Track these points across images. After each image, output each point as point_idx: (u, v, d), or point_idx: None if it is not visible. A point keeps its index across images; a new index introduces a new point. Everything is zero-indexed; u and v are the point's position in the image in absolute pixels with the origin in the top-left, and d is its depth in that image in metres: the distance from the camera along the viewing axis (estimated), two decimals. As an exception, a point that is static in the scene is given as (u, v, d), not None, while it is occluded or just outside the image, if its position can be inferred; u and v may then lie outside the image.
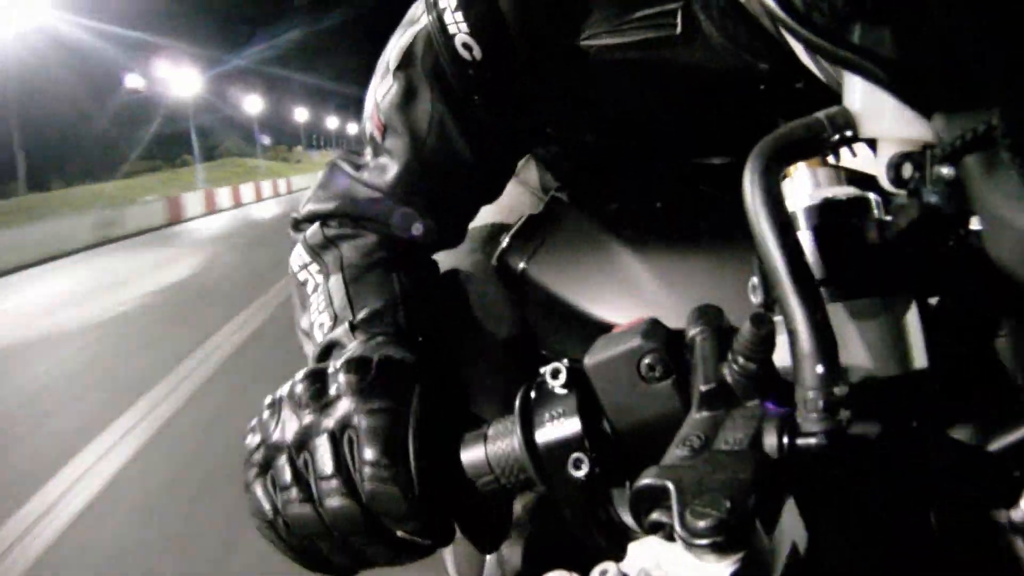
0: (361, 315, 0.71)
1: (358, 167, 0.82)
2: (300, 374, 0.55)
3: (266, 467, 0.52)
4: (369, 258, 0.77)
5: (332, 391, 0.52)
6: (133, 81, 42.94)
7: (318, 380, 0.53)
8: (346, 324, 0.70)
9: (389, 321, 0.71)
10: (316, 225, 0.80)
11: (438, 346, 0.73)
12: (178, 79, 38.90)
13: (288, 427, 0.52)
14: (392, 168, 0.78)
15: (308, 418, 0.52)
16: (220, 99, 51.96)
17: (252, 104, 52.27)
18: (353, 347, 0.66)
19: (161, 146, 46.99)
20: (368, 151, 0.81)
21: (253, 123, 53.04)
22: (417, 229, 0.78)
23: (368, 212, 0.79)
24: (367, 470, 0.49)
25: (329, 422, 0.51)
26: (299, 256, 0.81)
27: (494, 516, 0.54)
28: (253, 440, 0.54)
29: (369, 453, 0.49)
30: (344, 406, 0.51)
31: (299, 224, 0.84)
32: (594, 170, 0.91)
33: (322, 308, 0.75)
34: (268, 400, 0.55)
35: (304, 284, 0.79)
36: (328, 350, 0.71)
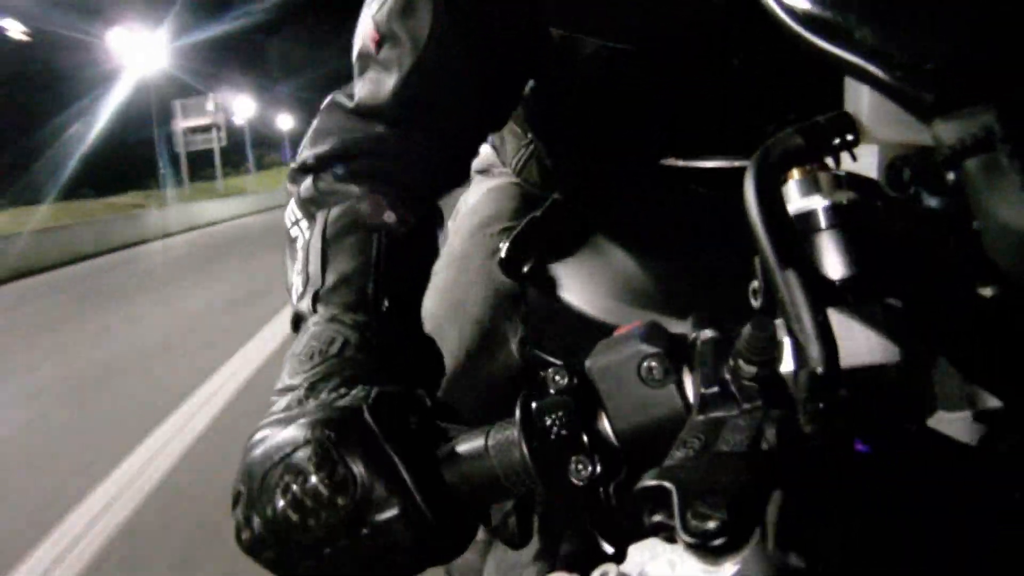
0: (328, 282, 0.69)
1: (352, 96, 0.78)
2: (271, 481, 0.50)
3: (297, 564, 0.50)
4: (354, 216, 0.73)
5: (313, 502, 0.48)
6: (239, 120, 53.04)
7: (292, 491, 0.49)
8: (310, 297, 0.68)
9: (356, 287, 0.68)
10: (310, 180, 0.77)
11: (408, 310, 0.71)
12: (239, 105, 50.15)
13: (292, 534, 0.49)
14: (388, 81, 0.74)
15: (308, 530, 0.49)
16: (264, 119, 59.50)
17: (284, 122, 60.95)
18: (307, 336, 0.64)
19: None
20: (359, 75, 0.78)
21: (284, 139, 60.97)
22: (390, 217, 0.75)
23: (363, 147, 0.76)
24: (405, 554, 0.49)
25: (339, 529, 0.48)
26: (292, 211, 0.78)
27: (520, 514, 0.54)
28: (256, 548, 0.51)
29: (400, 539, 0.48)
30: (343, 510, 0.48)
31: (295, 175, 0.80)
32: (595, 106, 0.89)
33: (299, 268, 0.72)
34: (246, 495, 0.51)
35: (294, 241, 0.76)
36: (297, 321, 0.70)
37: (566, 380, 0.47)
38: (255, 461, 0.51)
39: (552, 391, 0.47)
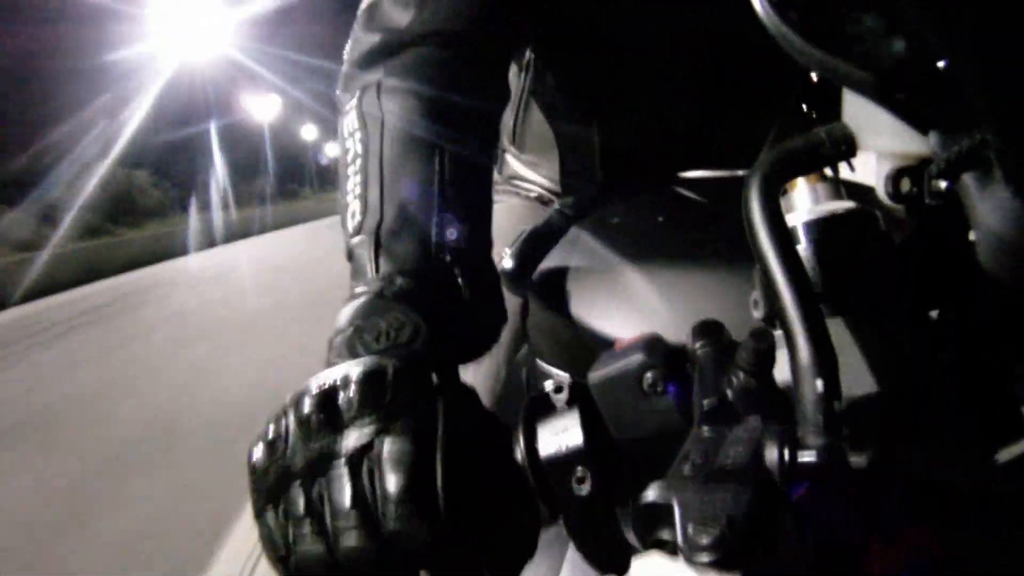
0: (388, 218, 0.65)
1: None
2: (310, 388, 0.47)
3: (276, 495, 0.46)
4: (413, 125, 0.70)
5: (345, 411, 0.46)
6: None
7: (329, 399, 0.46)
8: (371, 238, 0.65)
9: (417, 232, 0.64)
10: (373, 90, 0.73)
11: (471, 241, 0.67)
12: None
13: (299, 451, 0.46)
14: None
15: (321, 442, 0.45)
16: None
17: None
18: (371, 309, 0.59)
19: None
20: None
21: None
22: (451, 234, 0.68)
23: (415, 30, 0.74)
24: (390, 507, 0.43)
25: (345, 447, 0.45)
26: (348, 123, 0.73)
27: (517, 536, 0.51)
28: (260, 462, 0.47)
29: (392, 486, 0.43)
30: (361, 429, 0.45)
31: (349, 81, 0.77)
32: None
33: (357, 191, 0.68)
34: (275, 414, 0.48)
35: (347, 153, 0.72)
36: (351, 254, 0.67)
37: (568, 393, 0.47)
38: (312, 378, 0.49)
39: (554, 404, 0.47)
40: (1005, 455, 0.37)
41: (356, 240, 0.66)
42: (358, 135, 0.71)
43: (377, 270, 0.64)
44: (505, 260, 0.88)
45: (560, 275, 0.80)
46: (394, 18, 0.74)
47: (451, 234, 0.65)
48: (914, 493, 0.36)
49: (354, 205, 0.68)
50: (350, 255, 0.67)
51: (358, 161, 0.70)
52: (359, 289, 0.62)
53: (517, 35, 0.83)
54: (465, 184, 0.70)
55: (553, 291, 0.79)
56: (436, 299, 0.61)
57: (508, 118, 1.02)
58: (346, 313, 0.59)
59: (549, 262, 0.84)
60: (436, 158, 0.68)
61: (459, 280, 0.64)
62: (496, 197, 1.14)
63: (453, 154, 0.69)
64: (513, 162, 1.13)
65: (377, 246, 0.64)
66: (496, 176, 1.16)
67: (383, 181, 0.67)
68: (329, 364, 0.56)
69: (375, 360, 0.48)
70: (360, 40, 0.76)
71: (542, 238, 0.88)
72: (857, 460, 0.34)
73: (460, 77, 0.75)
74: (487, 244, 0.72)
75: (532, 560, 0.48)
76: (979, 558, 0.36)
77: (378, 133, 0.70)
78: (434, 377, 0.48)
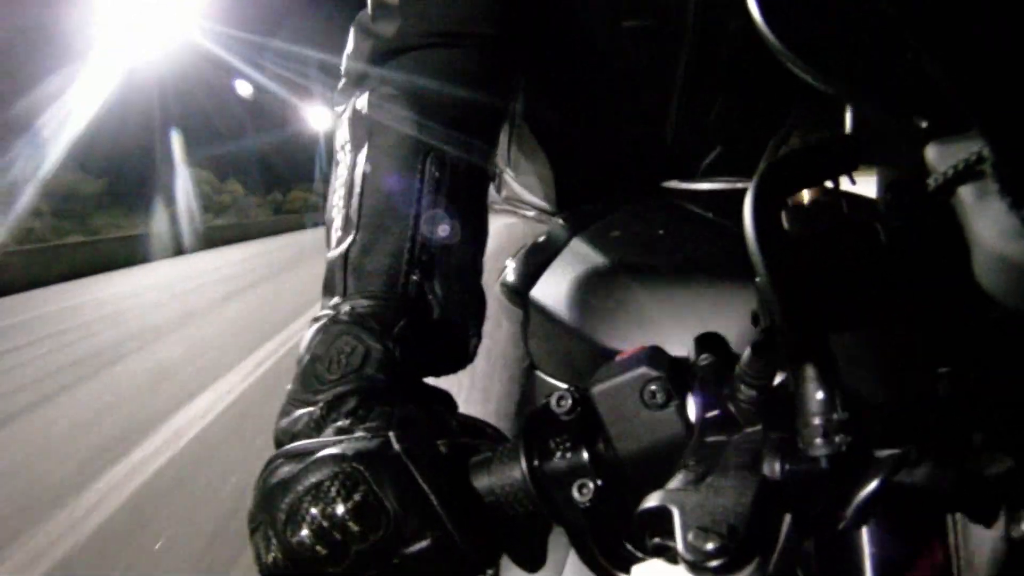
0: (362, 238, 0.65)
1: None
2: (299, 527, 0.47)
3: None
4: (401, 131, 0.70)
5: (348, 543, 0.46)
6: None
7: (320, 529, 0.46)
8: (342, 256, 0.65)
9: (389, 255, 0.64)
10: (366, 97, 0.73)
11: (441, 269, 0.66)
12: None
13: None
14: None
15: (337, 566, 0.46)
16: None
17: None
18: (329, 339, 0.59)
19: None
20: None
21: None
22: (444, 230, 0.68)
23: (403, 37, 0.75)
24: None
25: (369, 562, 0.46)
26: (341, 133, 0.74)
27: (533, 539, 0.52)
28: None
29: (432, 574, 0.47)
30: (377, 553, 0.46)
31: (342, 95, 0.78)
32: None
33: (340, 204, 0.69)
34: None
35: (338, 165, 0.72)
36: (330, 279, 0.67)
37: (569, 403, 0.47)
38: (277, 491, 0.48)
39: (556, 414, 0.47)
40: (1002, 462, 0.37)
41: (332, 256, 0.67)
42: (348, 146, 0.72)
43: (345, 290, 0.64)
44: (507, 274, 0.89)
45: (561, 288, 0.81)
46: (383, 27, 0.76)
47: (426, 249, 0.65)
48: (914, 502, 0.37)
49: (337, 219, 0.68)
50: (328, 277, 0.67)
51: (345, 173, 0.70)
52: (322, 312, 0.63)
53: (509, 37, 0.83)
54: (453, 191, 0.69)
55: (554, 304, 0.80)
56: (398, 318, 0.61)
57: (503, 140, 1.02)
58: (306, 338, 0.61)
59: (550, 275, 0.84)
60: (420, 165, 0.68)
61: (429, 298, 0.65)
62: (496, 216, 1.14)
63: (441, 160, 0.69)
64: (511, 183, 1.14)
65: (347, 263, 0.65)
66: (496, 195, 1.16)
67: (364, 193, 0.67)
68: (290, 399, 0.58)
69: (341, 466, 0.48)
70: (353, 52, 0.78)
71: (543, 252, 0.89)
72: (855, 469, 0.34)
73: (453, 80, 0.75)
74: (472, 256, 0.72)
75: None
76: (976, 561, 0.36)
77: (366, 142, 0.70)
78: (397, 447, 0.49)
